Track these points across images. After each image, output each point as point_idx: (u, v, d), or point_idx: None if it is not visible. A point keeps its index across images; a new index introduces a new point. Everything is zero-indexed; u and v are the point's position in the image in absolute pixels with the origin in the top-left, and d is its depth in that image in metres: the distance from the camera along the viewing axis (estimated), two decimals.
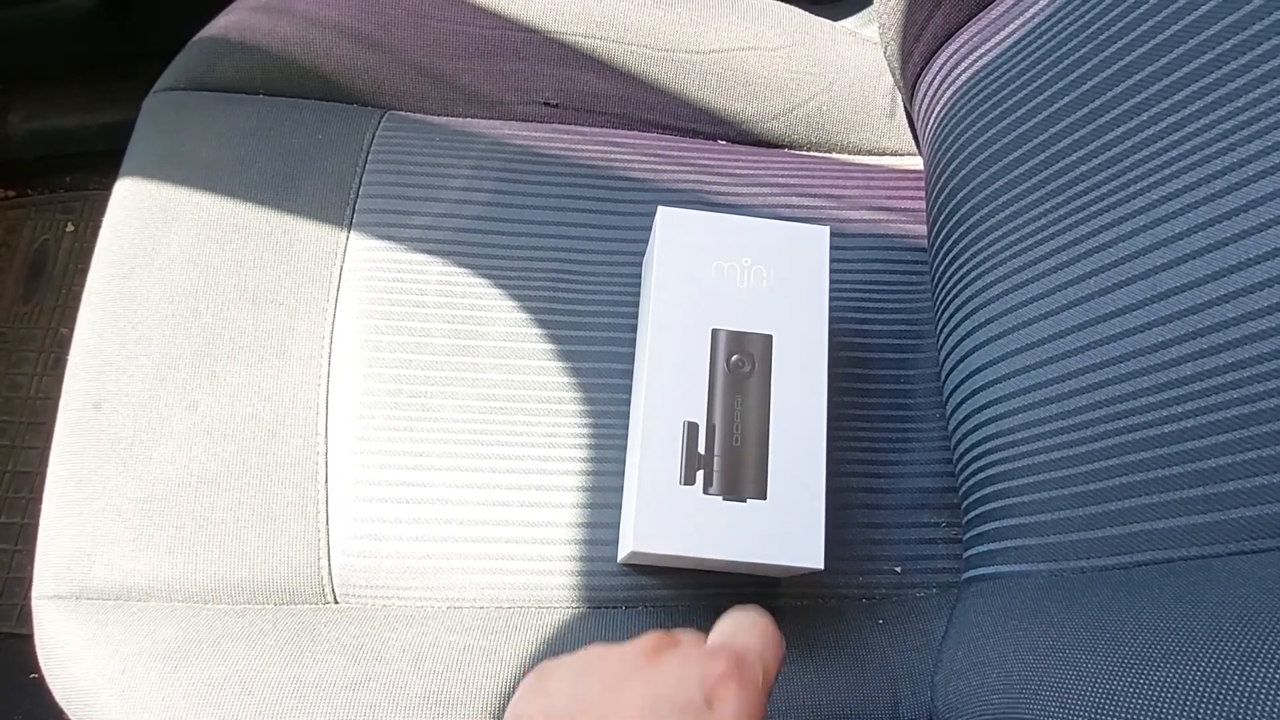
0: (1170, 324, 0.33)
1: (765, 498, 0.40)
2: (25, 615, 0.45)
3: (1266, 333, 0.29)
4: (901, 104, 0.56)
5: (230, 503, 0.45)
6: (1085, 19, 0.39)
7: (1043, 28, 0.41)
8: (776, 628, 0.28)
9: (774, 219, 0.52)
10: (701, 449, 0.40)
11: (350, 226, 0.50)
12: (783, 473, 0.40)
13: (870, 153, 0.57)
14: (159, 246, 0.49)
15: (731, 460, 0.40)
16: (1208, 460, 0.31)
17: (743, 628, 0.28)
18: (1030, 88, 0.40)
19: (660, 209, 0.44)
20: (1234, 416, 0.30)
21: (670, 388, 0.41)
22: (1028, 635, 0.32)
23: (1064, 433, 0.36)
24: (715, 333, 0.42)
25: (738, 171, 0.54)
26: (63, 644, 0.43)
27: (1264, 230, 0.30)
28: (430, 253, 0.50)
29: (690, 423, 0.41)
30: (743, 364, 0.41)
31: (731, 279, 0.43)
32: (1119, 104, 0.36)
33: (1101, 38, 0.37)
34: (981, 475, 0.41)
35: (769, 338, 0.42)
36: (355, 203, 0.51)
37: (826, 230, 0.44)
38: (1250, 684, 0.23)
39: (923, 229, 0.53)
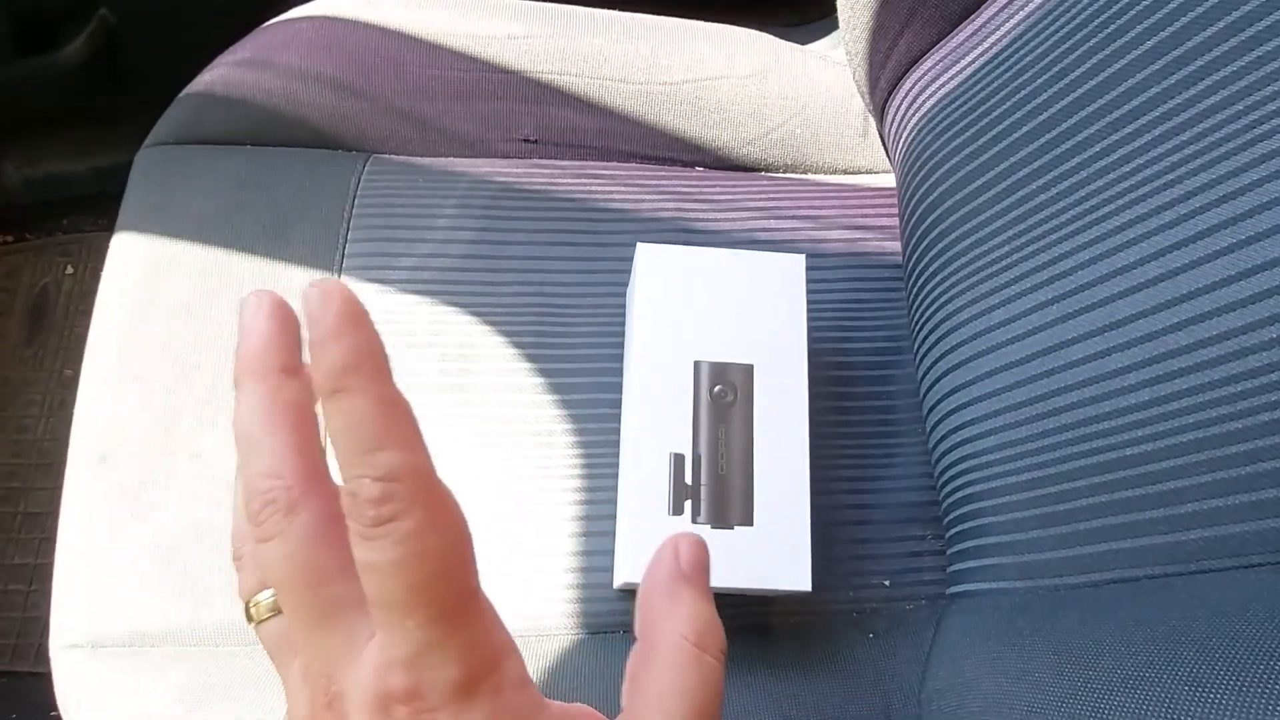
0: (1127, 351, 0.34)
1: (752, 524, 0.41)
2: (43, 655, 0.47)
3: (1216, 360, 0.31)
4: (873, 123, 0.57)
5: None
6: (1040, 50, 0.40)
7: (1001, 57, 0.42)
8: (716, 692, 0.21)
9: (753, 243, 0.54)
10: (688, 479, 0.42)
11: (340, 270, 0.51)
12: (768, 499, 0.41)
13: (845, 172, 0.59)
14: (157, 300, 0.50)
15: (718, 489, 0.42)
16: (1167, 483, 0.32)
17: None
18: (990, 116, 0.42)
19: (639, 245, 0.45)
20: (1189, 441, 0.31)
21: (655, 420, 0.42)
22: (1002, 658, 0.34)
23: (1034, 454, 0.38)
24: (698, 364, 0.43)
25: (716, 197, 0.55)
26: (81, 692, 0.45)
27: (1211, 261, 0.31)
28: (419, 293, 0.51)
29: (676, 454, 0.42)
30: (725, 394, 0.43)
31: (712, 310, 0.44)
32: (1073, 135, 0.37)
33: (1055, 69, 0.39)
34: (960, 495, 0.42)
35: (750, 367, 0.43)
36: (344, 246, 0.52)
37: (802, 259, 0.45)
38: (1200, 710, 0.24)
39: (899, 245, 0.54)
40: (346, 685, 0.20)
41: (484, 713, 0.19)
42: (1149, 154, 0.34)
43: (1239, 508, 0.30)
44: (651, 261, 0.45)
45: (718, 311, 0.44)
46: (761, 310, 0.44)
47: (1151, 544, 0.32)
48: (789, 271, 0.45)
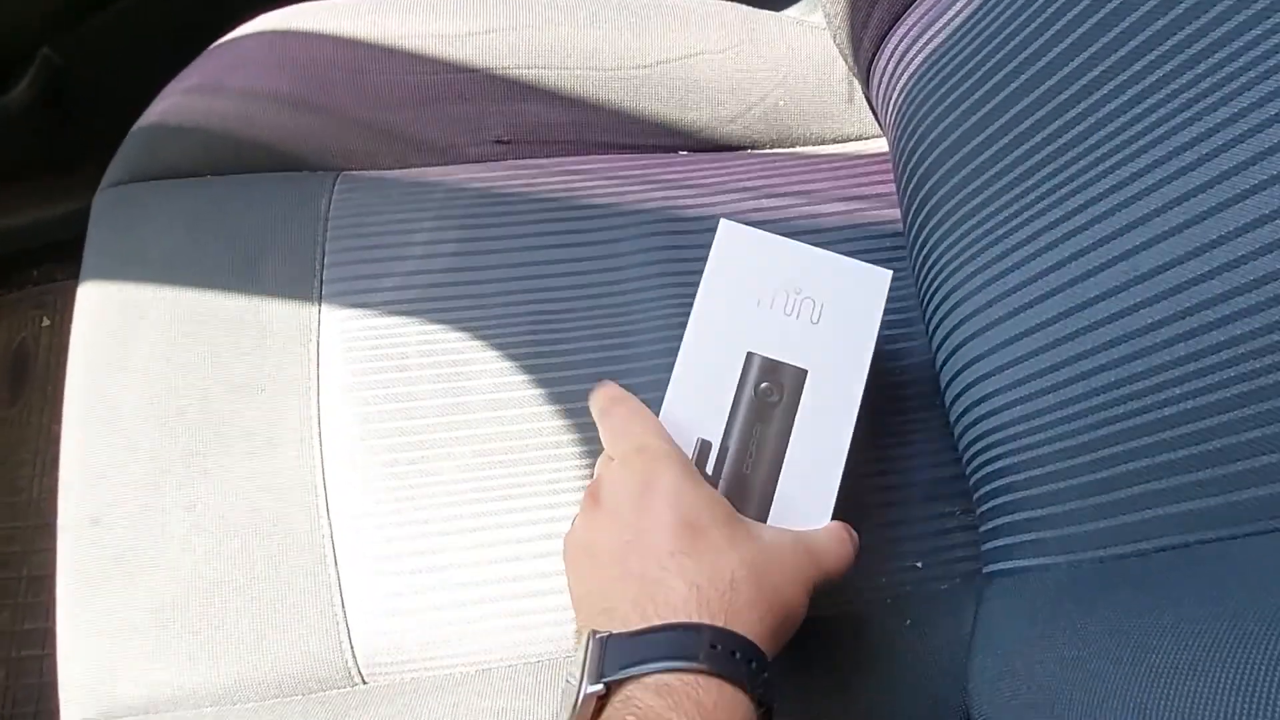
0: (1157, 304, 0.32)
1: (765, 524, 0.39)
2: None
3: (1256, 307, 0.29)
4: (859, 87, 0.55)
5: (243, 599, 0.44)
6: None
7: (988, 5, 0.40)
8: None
9: (746, 225, 0.51)
10: (709, 469, 0.40)
11: (320, 299, 0.49)
12: (786, 507, 0.39)
13: (834, 141, 0.56)
14: (130, 349, 0.48)
15: (737, 486, 0.40)
16: (1212, 441, 0.30)
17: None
18: (983, 69, 0.39)
19: (722, 221, 0.42)
20: (1234, 395, 0.29)
21: (692, 402, 0.40)
22: (1054, 644, 0.32)
23: (1063, 422, 0.36)
24: (750, 356, 0.41)
25: (703, 181, 0.53)
26: None
27: (1241, 201, 0.29)
28: (405, 313, 0.49)
29: (704, 441, 0.40)
30: (771, 393, 0.41)
31: (779, 306, 0.41)
32: (1076, 80, 0.35)
33: (1049, 10, 0.36)
34: (988, 469, 0.40)
35: (804, 372, 0.41)
36: (321, 273, 0.50)
37: (888, 275, 0.42)
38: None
39: (898, 213, 0.52)
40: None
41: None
42: (1162, 91, 0.32)
43: None
44: (731, 240, 0.42)
45: (785, 308, 0.41)
46: (831, 318, 0.41)
47: (1203, 506, 0.30)
48: (871, 285, 0.42)
